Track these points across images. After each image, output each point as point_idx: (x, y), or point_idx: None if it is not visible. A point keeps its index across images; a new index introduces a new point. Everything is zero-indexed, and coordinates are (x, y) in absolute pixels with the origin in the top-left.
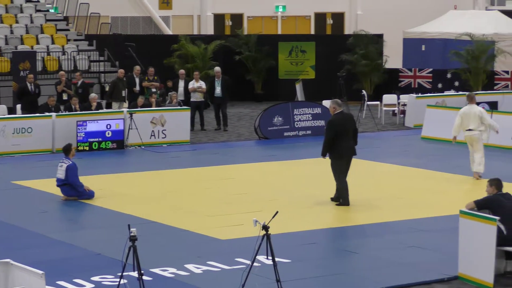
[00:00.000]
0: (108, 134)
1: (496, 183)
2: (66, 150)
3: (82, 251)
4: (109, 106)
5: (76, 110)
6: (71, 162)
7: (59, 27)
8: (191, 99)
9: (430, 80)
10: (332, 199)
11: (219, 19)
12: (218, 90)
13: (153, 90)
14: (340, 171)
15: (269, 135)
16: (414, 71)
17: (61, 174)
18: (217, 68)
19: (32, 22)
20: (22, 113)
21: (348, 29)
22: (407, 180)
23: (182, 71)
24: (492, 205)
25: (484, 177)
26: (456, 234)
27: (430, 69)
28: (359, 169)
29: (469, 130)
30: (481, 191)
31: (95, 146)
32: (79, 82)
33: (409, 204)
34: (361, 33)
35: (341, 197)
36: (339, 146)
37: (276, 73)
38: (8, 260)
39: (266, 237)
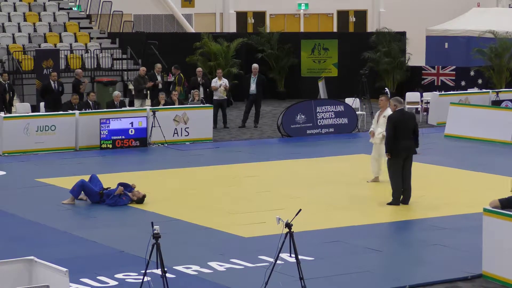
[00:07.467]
0: (131, 132)
1: None
2: None
3: (105, 248)
4: (131, 104)
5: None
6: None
7: (82, 25)
8: (214, 97)
9: (453, 77)
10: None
11: (241, 17)
12: (253, 87)
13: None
14: (394, 169)
15: (292, 133)
16: (437, 68)
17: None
18: (255, 65)
19: (55, 20)
20: (46, 111)
21: (371, 27)
22: (430, 178)
23: (199, 69)
24: None
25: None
26: (479, 232)
27: (453, 67)
28: (382, 167)
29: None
30: (505, 189)
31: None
32: None
33: (432, 202)
34: (384, 30)
35: (392, 196)
36: (396, 144)
37: (298, 71)
38: (32, 257)
39: (289, 235)
